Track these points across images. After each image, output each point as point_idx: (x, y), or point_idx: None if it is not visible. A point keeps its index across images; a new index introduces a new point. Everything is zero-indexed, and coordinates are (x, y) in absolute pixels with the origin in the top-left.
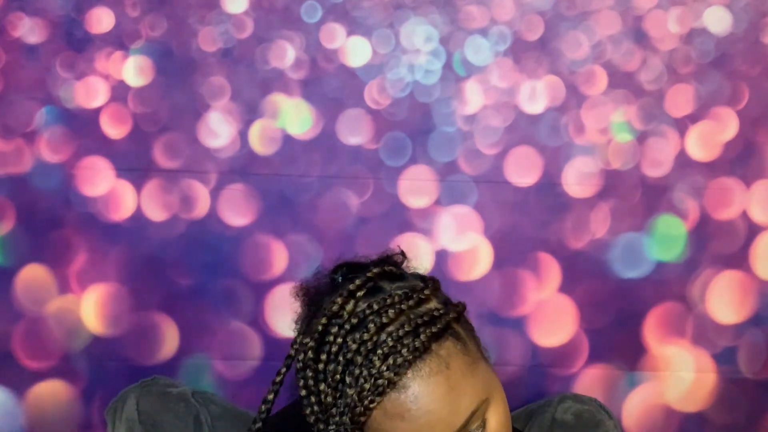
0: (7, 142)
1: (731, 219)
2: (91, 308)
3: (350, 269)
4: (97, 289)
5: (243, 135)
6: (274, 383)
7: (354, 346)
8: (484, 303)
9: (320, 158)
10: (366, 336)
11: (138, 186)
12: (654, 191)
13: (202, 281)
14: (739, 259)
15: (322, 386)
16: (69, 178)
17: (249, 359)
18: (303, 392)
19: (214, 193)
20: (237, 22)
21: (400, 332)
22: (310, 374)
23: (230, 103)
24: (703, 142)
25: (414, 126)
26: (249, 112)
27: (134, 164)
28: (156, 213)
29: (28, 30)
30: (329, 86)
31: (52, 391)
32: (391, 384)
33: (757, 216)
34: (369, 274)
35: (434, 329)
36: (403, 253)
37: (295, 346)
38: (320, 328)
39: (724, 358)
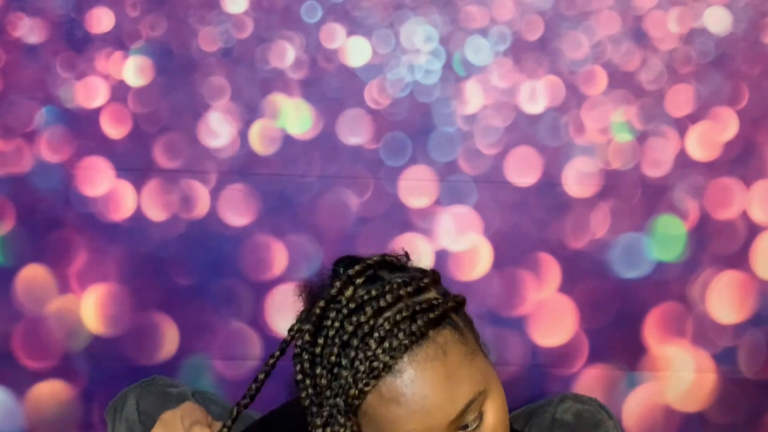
0: (7, 142)
1: (731, 219)
2: (91, 308)
3: (352, 261)
4: (97, 289)
5: (243, 135)
6: (267, 364)
7: (350, 329)
8: (484, 303)
9: (320, 158)
10: (363, 319)
11: (138, 186)
12: (654, 191)
13: (202, 281)
14: (739, 259)
15: (318, 369)
16: (69, 178)
17: (249, 359)
18: (299, 376)
19: (214, 193)
20: (237, 22)
21: (398, 317)
22: (306, 357)
23: (230, 103)
24: (703, 142)
25: (414, 126)
26: (249, 112)
27: (134, 164)
28: (156, 213)
29: (28, 30)
30: (329, 86)
31: (52, 391)
32: (387, 367)
33: (757, 216)
34: (369, 262)
35: (432, 315)
36: (407, 254)
37: (291, 332)
38: (318, 311)
39: (724, 358)
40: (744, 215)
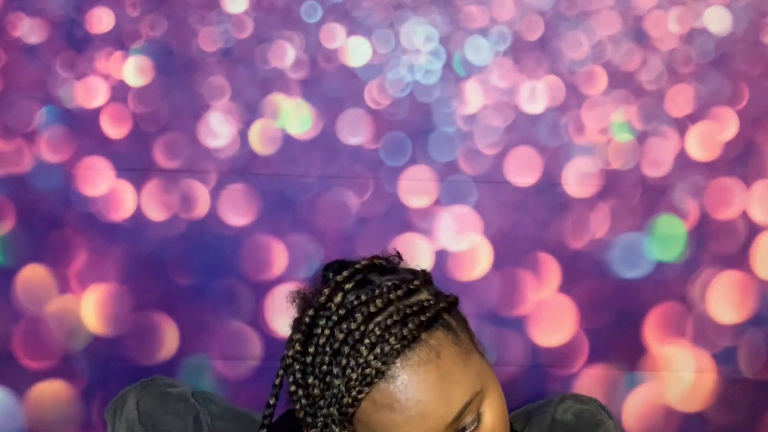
0: (7, 142)
1: (731, 219)
2: (91, 308)
3: (341, 266)
4: (97, 289)
5: (243, 135)
6: (274, 386)
7: (341, 336)
8: (484, 303)
9: (320, 158)
10: (353, 326)
11: (138, 186)
12: (654, 191)
13: (202, 281)
14: (739, 259)
15: (310, 379)
16: (69, 178)
17: (249, 359)
18: (292, 387)
19: (214, 193)
20: (237, 22)
21: (388, 321)
22: (298, 367)
23: (230, 103)
24: (703, 142)
25: (414, 126)
26: (249, 112)
27: (134, 164)
28: (156, 213)
29: (28, 30)
30: (329, 86)
31: (52, 391)
32: (379, 373)
33: (757, 216)
34: (357, 266)
35: (423, 318)
36: (399, 255)
37: (287, 345)
38: (307, 320)
39: (724, 358)
40: (744, 215)
